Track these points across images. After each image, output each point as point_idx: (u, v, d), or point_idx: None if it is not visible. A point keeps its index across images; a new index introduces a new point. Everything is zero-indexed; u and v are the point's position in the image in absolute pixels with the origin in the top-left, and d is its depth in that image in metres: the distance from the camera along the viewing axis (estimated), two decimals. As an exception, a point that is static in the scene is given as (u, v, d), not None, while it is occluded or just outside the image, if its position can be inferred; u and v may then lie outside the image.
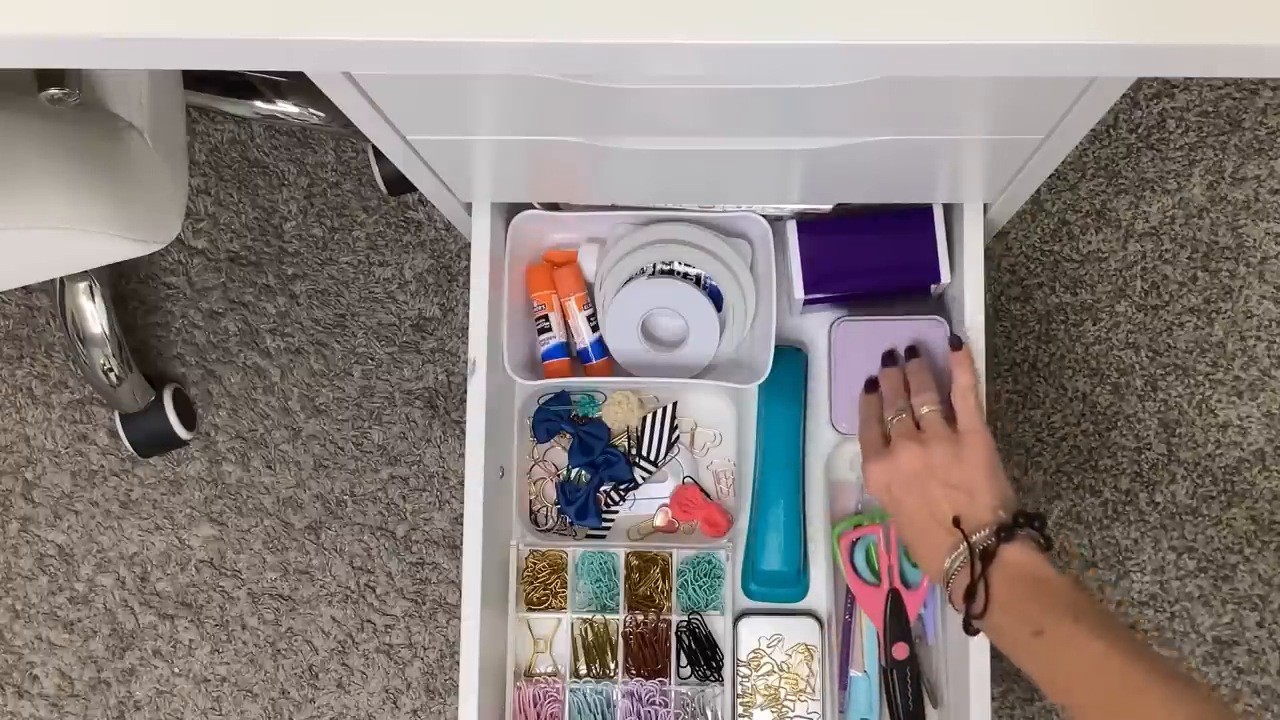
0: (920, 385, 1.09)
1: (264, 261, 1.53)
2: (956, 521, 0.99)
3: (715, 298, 1.21)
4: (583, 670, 1.24)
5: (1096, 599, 1.00)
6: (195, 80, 1.41)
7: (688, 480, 1.27)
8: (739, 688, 1.24)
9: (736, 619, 1.24)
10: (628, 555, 1.25)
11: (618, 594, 1.24)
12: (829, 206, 1.19)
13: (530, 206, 1.20)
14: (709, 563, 1.24)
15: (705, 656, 1.24)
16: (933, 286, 1.22)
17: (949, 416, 1.06)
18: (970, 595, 0.96)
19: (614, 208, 1.20)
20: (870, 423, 1.11)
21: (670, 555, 1.24)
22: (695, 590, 1.24)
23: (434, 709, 1.48)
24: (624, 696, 1.23)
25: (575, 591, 1.25)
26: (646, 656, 1.24)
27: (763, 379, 1.18)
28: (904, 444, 1.04)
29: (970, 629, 0.97)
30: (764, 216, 1.19)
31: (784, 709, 1.23)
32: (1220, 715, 0.87)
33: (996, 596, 0.94)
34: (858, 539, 1.22)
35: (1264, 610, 1.44)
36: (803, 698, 1.24)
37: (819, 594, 1.25)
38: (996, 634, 0.96)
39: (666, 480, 1.27)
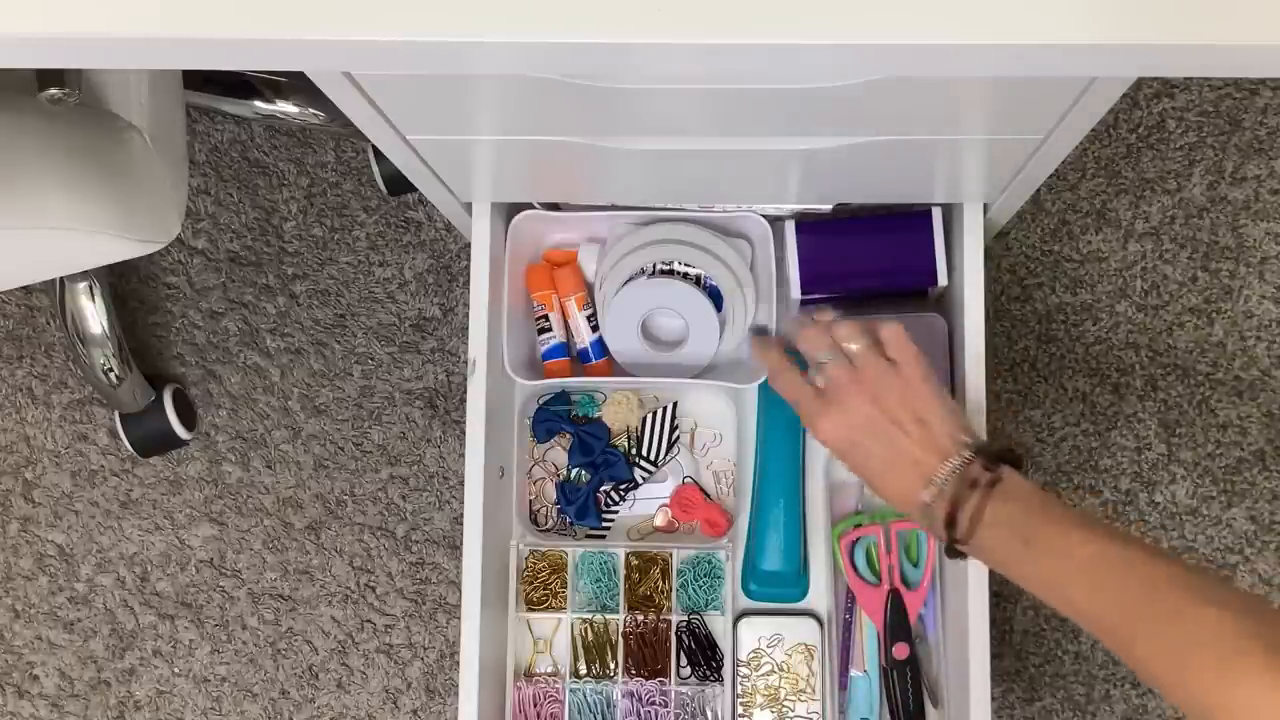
0: (844, 328, 1.03)
1: (264, 261, 1.53)
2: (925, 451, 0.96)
3: (715, 298, 1.21)
4: (583, 670, 1.24)
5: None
6: (195, 80, 1.41)
7: (688, 480, 1.27)
8: (739, 688, 1.24)
9: (736, 619, 1.24)
10: (628, 555, 1.25)
11: (618, 594, 1.24)
12: (829, 207, 1.19)
13: (530, 206, 1.20)
14: (709, 563, 1.24)
15: (705, 656, 1.24)
16: (930, 289, 1.22)
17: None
18: (951, 521, 0.93)
19: (614, 208, 1.20)
20: (787, 373, 1.05)
21: (670, 555, 1.24)
22: (695, 590, 1.24)
23: (434, 709, 1.48)
24: (624, 696, 1.23)
25: (575, 591, 1.25)
26: (646, 656, 1.24)
27: (763, 379, 1.18)
28: (849, 388, 0.99)
29: (955, 553, 0.95)
30: (764, 216, 1.19)
31: (784, 709, 1.23)
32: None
33: (982, 516, 0.92)
34: (858, 539, 1.22)
35: (1264, 610, 1.44)
36: (803, 698, 1.24)
37: (819, 594, 1.25)
38: (986, 553, 0.93)
39: (666, 480, 1.27)
